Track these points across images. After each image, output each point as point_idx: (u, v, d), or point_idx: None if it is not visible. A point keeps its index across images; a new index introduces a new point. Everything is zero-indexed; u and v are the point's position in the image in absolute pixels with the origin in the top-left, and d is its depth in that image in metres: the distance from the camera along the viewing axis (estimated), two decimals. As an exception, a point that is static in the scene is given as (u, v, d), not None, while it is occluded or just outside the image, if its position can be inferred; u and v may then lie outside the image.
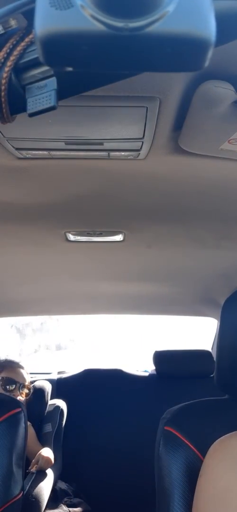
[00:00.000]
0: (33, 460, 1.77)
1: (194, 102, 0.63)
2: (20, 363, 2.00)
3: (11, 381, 1.88)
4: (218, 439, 0.81)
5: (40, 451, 1.81)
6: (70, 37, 0.30)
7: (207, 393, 1.16)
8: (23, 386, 1.90)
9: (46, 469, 1.77)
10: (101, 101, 0.64)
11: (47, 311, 2.48)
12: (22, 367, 1.98)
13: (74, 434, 2.25)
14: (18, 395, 1.85)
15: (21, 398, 1.86)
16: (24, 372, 1.97)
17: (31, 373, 2.49)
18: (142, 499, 2.01)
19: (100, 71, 0.39)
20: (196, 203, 1.05)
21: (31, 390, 1.98)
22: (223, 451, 0.78)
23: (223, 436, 0.81)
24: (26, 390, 1.92)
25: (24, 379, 1.93)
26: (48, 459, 1.78)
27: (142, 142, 0.76)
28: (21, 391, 1.89)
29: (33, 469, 1.74)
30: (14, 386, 1.87)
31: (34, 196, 1.00)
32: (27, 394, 1.92)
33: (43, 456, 1.78)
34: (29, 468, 1.73)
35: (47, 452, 1.82)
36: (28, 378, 1.97)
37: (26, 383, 1.93)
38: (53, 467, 1.86)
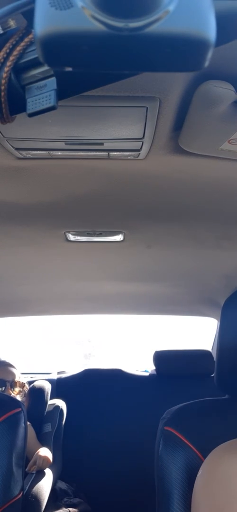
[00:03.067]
0: (31, 462, 1.76)
1: (194, 102, 0.63)
2: (7, 361, 1.98)
3: (0, 382, 1.86)
4: (217, 447, 0.81)
5: (37, 451, 1.80)
6: (70, 37, 0.30)
7: (207, 393, 1.16)
8: (14, 383, 1.88)
9: (44, 468, 1.77)
10: (101, 101, 0.64)
11: (47, 311, 2.48)
12: (11, 365, 1.95)
13: (74, 434, 2.25)
14: (10, 394, 1.83)
15: (13, 395, 1.85)
16: (13, 369, 1.93)
17: (30, 373, 2.49)
18: (142, 499, 2.01)
19: (100, 71, 0.39)
20: (196, 203, 1.05)
21: (26, 388, 1.96)
22: (216, 464, 0.78)
23: (222, 444, 0.80)
24: (18, 388, 1.90)
25: (13, 376, 1.90)
26: (46, 458, 1.77)
27: (142, 142, 0.76)
28: (13, 389, 1.87)
29: (32, 469, 1.73)
30: (3, 387, 1.85)
31: (34, 196, 1.00)
32: (20, 392, 1.90)
33: (40, 456, 1.77)
34: (27, 469, 1.72)
35: (44, 452, 1.81)
36: (19, 375, 1.95)
37: (17, 380, 1.90)
38: (53, 467, 1.85)
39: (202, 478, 0.80)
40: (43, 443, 1.94)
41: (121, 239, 1.28)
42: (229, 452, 0.77)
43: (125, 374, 2.48)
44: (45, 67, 0.40)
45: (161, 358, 2.40)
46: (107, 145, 0.77)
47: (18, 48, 0.40)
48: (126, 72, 0.40)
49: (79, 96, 0.45)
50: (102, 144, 0.76)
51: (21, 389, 1.91)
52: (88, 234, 1.25)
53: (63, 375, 2.51)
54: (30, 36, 0.40)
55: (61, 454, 2.08)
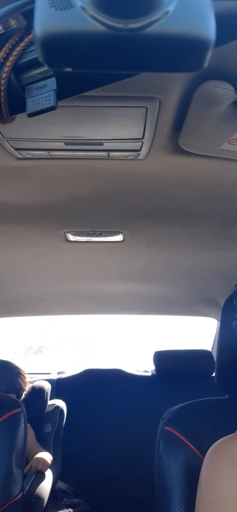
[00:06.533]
0: (28, 465, 1.76)
1: (194, 102, 0.63)
2: None
3: None
4: (215, 443, 0.81)
5: (35, 456, 1.80)
6: (70, 37, 0.30)
7: (207, 393, 1.16)
8: None
9: (43, 470, 1.77)
10: (101, 101, 0.64)
11: (47, 311, 2.48)
12: None
13: (74, 434, 2.25)
14: None
15: None
16: None
17: (30, 373, 2.49)
18: (142, 499, 2.01)
19: (99, 72, 0.39)
20: (196, 203, 1.05)
21: None
22: (221, 455, 0.78)
23: (220, 440, 0.80)
24: None
25: None
26: (41, 459, 1.77)
27: (142, 142, 0.76)
28: None
29: (29, 473, 1.73)
30: None
31: (33, 196, 1.00)
32: None
33: (36, 457, 1.77)
34: (24, 471, 1.72)
35: (42, 455, 1.81)
36: None
37: None
38: (52, 467, 1.85)
39: (201, 490, 0.79)
40: (43, 444, 1.94)
41: (121, 239, 1.28)
42: (225, 456, 0.77)
43: (125, 374, 2.48)
44: (45, 67, 0.40)
45: (161, 358, 2.40)
46: (107, 145, 0.77)
47: (18, 48, 0.40)
48: (126, 72, 0.40)
49: (79, 96, 0.45)
50: (102, 144, 0.76)
51: None
52: (88, 234, 1.25)
53: (63, 375, 2.51)
54: (30, 36, 0.40)
55: (61, 454, 2.08)
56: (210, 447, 0.82)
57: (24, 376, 2.08)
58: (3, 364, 2.06)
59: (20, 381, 2.03)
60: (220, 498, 0.73)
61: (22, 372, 2.08)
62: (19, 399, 1.91)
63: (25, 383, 2.06)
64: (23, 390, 2.02)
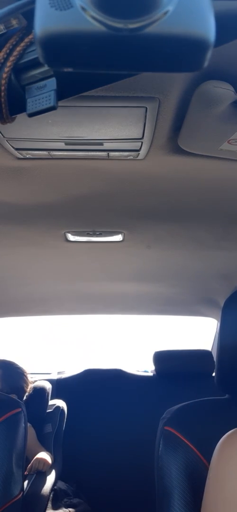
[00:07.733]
0: (29, 466, 1.76)
1: (193, 102, 0.63)
2: None
3: None
4: (223, 437, 0.80)
5: (36, 456, 1.80)
6: (70, 37, 0.30)
7: (207, 393, 1.16)
8: None
9: (44, 470, 1.77)
10: (101, 101, 0.64)
11: (47, 311, 2.48)
12: None
13: (74, 434, 2.25)
14: None
15: None
16: None
17: (30, 373, 2.49)
18: (142, 499, 2.01)
19: (99, 71, 0.39)
20: (195, 203, 1.06)
21: None
22: (230, 448, 0.77)
23: (228, 433, 0.80)
24: None
25: None
26: (42, 460, 1.77)
27: (142, 142, 0.76)
28: None
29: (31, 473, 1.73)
30: None
31: (34, 196, 1.00)
32: None
33: (37, 458, 1.77)
34: (25, 472, 1.71)
35: (42, 455, 1.81)
36: None
37: None
38: (53, 467, 1.85)
39: (211, 483, 0.79)
40: (44, 444, 1.94)
41: (121, 239, 1.28)
42: (235, 450, 0.76)
43: (125, 374, 2.48)
44: (45, 68, 0.40)
45: (161, 358, 2.39)
46: (106, 145, 0.77)
47: (18, 49, 0.40)
48: (125, 72, 0.40)
49: (79, 96, 0.45)
50: (101, 144, 0.77)
51: None
52: (88, 234, 1.25)
53: (63, 375, 2.50)
54: (30, 36, 0.40)
55: (61, 454, 2.08)
56: (213, 447, 0.81)
57: (27, 378, 2.08)
58: (7, 365, 2.06)
59: (23, 383, 2.03)
60: (230, 496, 0.72)
61: (25, 373, 2.08)
62: (21, 400, 1.91)
63: (27, 384, 2.06)
64: (25, 391, 2.02)
